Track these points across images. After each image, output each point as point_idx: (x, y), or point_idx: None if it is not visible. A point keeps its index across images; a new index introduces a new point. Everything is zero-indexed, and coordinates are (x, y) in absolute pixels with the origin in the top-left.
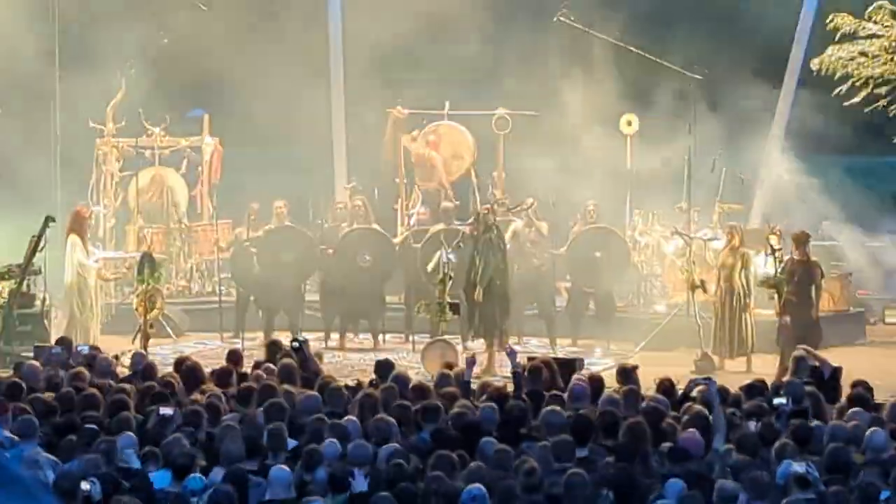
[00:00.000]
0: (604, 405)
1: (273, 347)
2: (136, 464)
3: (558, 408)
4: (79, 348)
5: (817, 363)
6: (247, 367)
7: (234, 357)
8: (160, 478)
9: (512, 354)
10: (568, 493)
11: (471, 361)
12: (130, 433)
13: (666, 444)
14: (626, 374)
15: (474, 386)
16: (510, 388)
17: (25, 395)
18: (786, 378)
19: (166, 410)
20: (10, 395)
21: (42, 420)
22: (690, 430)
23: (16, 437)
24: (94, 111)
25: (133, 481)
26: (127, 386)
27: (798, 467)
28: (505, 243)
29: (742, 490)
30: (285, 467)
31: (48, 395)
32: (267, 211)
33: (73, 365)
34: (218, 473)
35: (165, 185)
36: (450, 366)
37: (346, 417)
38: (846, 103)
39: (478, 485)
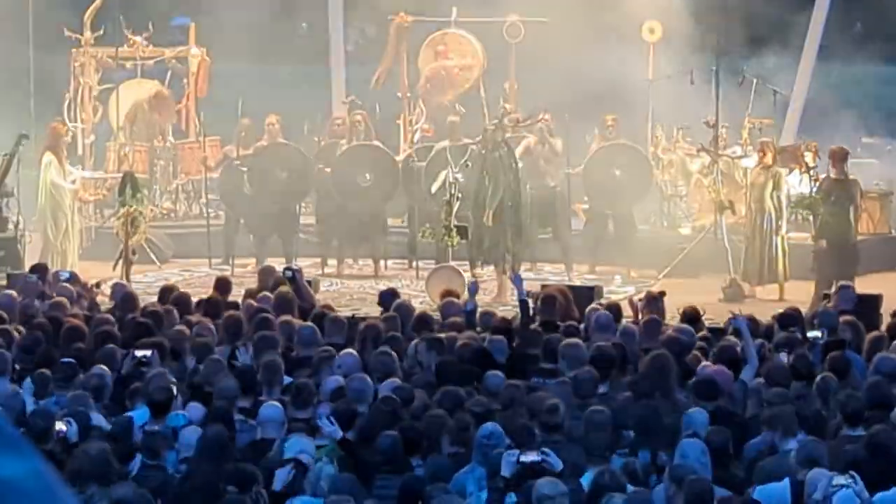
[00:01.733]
0: (621, 337)
1: (266, 274)
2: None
3: (580, 341)
4: (59, 273)
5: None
6: (236, 296)
7: (223, 285)
8: (138, 416)
9: (517, 281)
10: (588, 432)
11: (473, 287)
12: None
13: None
14: (652, 302)
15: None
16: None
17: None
18: (821, 307)
19: (143, 352)
20: None
21: (18, 353)
22: (718, 363)
23: None
24: (69, 18)
25: (112, 420)
26: (110, 317)
27: (842, 479)
28: (516, 161)
29: (770, 427)
30: (277, 404)
31: (22, 327)
32: (258, 127)
33: (48, 293)
34: (196, 409)
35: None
36: (454, 294)
37: (345, 350)
38: None
39: (491, 423)
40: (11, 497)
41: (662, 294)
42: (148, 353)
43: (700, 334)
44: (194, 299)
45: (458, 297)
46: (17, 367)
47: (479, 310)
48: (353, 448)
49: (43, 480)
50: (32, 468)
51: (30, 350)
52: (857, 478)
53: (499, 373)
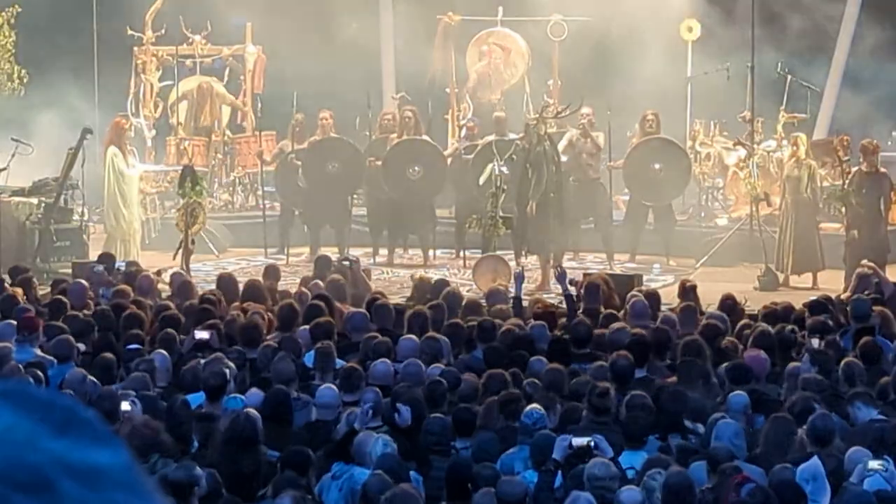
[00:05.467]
0: (660, 323)
1: (322, 263)
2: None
3: (624, 326)
4: (117, 265)
5: (877, 280)
6: (291, 284)
7: (272, 273)
8: (194, 400)
9: (562, 277)
10: (627, 415)
11: (519, 276)
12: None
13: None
14: (686, 292)
15: (526, 303)
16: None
17: (66, 314)
18: (845, 295)
19: (202, 334)
20: (53, 313)
21: (80, 339)
22: (755, 349)
23: (52, 358)
24: (132, 19)
25: (171, 402)
26: (170, 304)
27: (876, 464)
28: (559, 155)
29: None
30: (333, 387)
31: (86, 314)
32: (312, 122)
33: (113, 282)
34: (256, 395)
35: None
36: (501, 283)
37: (404, 336)
38: None
39: (537, 406)
40: (105, 484)
41: (694, 287)
42: (206, 334)
43: (742, 322)
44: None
45: (503, 288)
46: (83, 352)
47: (524, 298)
48: (404, 431)
49: (132, 471)
50: (122, 459)
51: (95, 336)
52: (891, 462)
53: (542, 358)
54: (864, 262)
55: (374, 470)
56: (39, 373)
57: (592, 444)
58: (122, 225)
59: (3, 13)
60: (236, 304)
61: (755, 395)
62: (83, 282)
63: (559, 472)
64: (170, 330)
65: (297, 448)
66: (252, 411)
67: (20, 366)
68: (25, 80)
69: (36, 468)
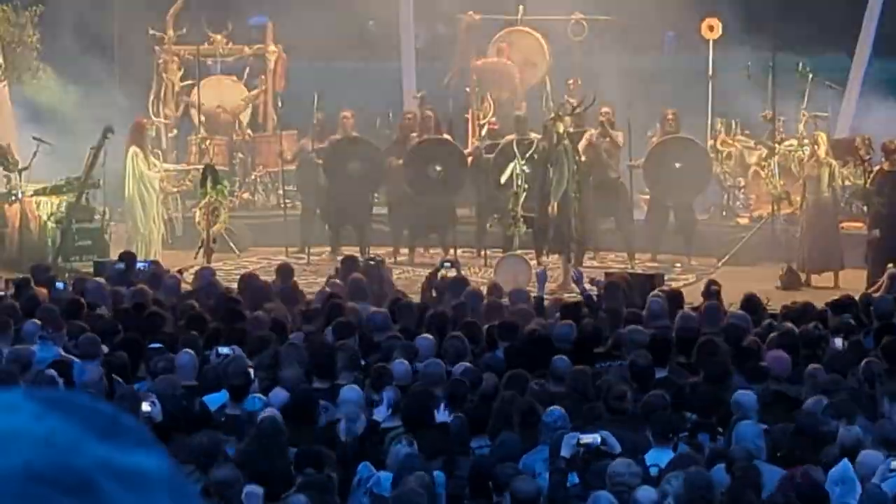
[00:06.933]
0: (682, 322)
1: (349, 263)
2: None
3: (641, 326)
4: (138, 265)
5: None
6: (312, 283)
7: (285, 271)
8: (217, 399)
9: (578, 279)
10: (647, 415)
11: (543, 276)
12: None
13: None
14: (709, 291)
15: (547, 303)
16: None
17: (85, 313)
18: (877, 295)
19: (224, 350)
20: (70, 312)
21: (103, 339)
22: (777, 348)
23: (76, 357)
24: (153, 18)
25: (192, 403)
26: (194, 303)
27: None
28: (579, 154)
29: (830, 413)
30: (356, 387)
31: (108, 313)
32: (333, 121)
33: (134, 281)
34: (279, 394)
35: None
36: (521, 287)
37: (421, 335)
38: None
39: (558, 407)
40: (148, 487)
41: (719, 289)
42: (227, 350)
43: (766, 322)
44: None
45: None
46: (105, 351)
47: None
48: (426, 429)
49: (175, 475)
50: (165, 463)
51: (117, 335)
52: None
53: (565, 357)
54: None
55: (398, 472)
56: (62, 372)
57: (599, 440)
58: (141, 225)
59: (27, 12)
60: (259, 303)
61: (776, 394)
62: (100, 280)
63: (573, 471)
64: (192, 330)
65: (314, 447)
66: (277, 413)
67: (42, 369)
68: (48, 79)
69: (80, 471)
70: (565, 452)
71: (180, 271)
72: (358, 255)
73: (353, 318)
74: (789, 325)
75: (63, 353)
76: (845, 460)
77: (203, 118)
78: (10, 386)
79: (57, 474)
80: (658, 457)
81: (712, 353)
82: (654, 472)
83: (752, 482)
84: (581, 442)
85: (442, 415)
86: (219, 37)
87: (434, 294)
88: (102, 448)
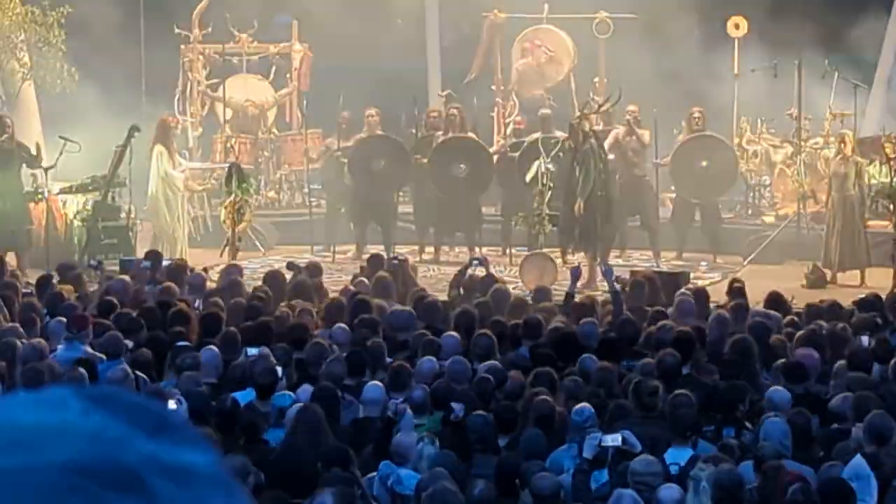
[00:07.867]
0: (709, 321)
1: (374, 262)
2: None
3: (669, 323)
4: (163, 263)
5: None
6: (337, 281)
7: (294, 267)
8: (243, 397)
9: (608, 273)
10: (673, 413)
11: (576, 272)
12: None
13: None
14: (735, 290)
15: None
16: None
17: (113, 311)
18: None
19: (253, 351)
20: (100, 310)
21: (128, 336)
22: (804, 346)
23: (101, 355)
24: (179, 17)
25: (218, 401)
26: (219, 300)
27: None
28: (605, 152)
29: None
30: (379, 384)
31: (133, 311)
32: (358, 119)
33: (160, 279)
34: (306, 391)
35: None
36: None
37: (446, 333)
38: None
39: (587, 404)
40: (195, 483)
41: (743, 288)
42: (256, 351)
43: (787, 319)
44: None
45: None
46: (130, 349)
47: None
48: (454, 427)
49: (222, 472)
50: (213, 460)
51: (143, 333)
52: None
53: (592, 356)
54: None
55: (429, 470)
56: (88, 370)
57: (620, 440)
58: (165, 223)
59: (54, 13)
60: (284, 301)
61: (807, 394)
62: (126, 278)
63: (600, 470)
64: (218, 328)
65: (337, 445)
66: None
67: (58, 365)
68: (75, 79)
69: (128, 467)
70: (587, 453)
71: (206, 269)
72: (383, 253)
73: (379, 315)
74: (817, 323)
75: (90, 350)
76: (859, 456)
77: (230, 113)
78: (38, 384)
79: (104, 470)
80: (678, 455)
81: (744, 352)
82: (674, 470)
83: (782, 481)
84: (602, 444)
85: (456, 413)
86: (244, 35)
87: (460, 292)
88: (150, 445)
